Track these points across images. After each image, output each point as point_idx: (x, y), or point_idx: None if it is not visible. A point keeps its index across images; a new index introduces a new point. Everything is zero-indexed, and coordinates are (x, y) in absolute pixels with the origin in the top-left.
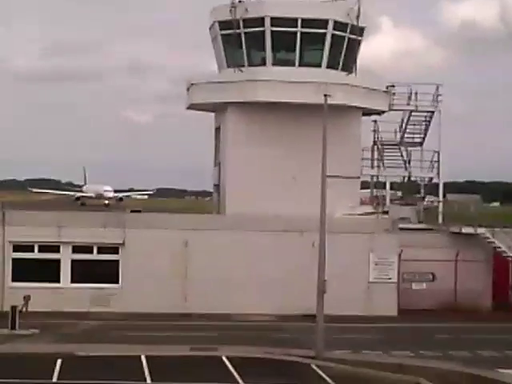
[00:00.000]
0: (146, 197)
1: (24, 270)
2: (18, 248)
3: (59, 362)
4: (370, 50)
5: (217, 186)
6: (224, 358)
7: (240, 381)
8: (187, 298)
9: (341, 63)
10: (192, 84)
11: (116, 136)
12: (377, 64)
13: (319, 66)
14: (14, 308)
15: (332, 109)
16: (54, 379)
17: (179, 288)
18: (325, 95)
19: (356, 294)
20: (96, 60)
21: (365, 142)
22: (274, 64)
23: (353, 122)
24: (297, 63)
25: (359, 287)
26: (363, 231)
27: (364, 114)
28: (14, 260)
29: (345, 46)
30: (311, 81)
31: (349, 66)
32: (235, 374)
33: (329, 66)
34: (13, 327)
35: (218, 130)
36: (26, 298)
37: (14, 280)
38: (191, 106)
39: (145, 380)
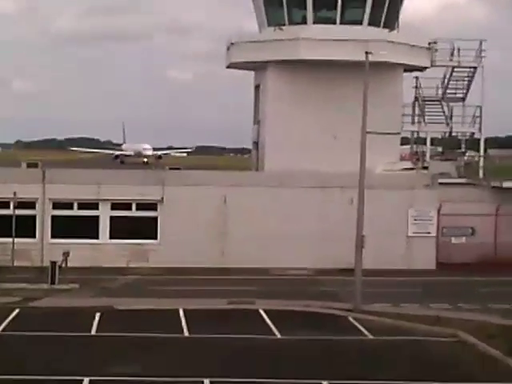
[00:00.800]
0: (184, 154)
1: (63, 227)
2: (57, 205)
3: (98, 315)
4: (412, 6)
5: (256, 144)
6: (261, 311)
7: (277, 333)
8: (225, 253)
9: (382, 20)
10: (232, 43)
11: (156, 94)
12: (419, 20)
13: (360, 23)
14: (53, 263)
15: (373, 66)
16: (93, 332)
17: (217, 243)
18: (366, 53)
19: (395, 248)
20: (136, 19)
21: (406, 98)
22: (314, 22)
23: (394, 79)
24: (338, 21)
25: (398, 241)
26: (403, 187)
27: (406, 71)
28: (53, 217)
29: (387, 3)
30: (352, 38)
31: (391, 22)
32: (272, 326)
33: (370, 23)
34: (52, 282)
35: (257, 88)
36: (66, 254)
37: (53, 236)
38: (231, 65)
39: (182, 333)
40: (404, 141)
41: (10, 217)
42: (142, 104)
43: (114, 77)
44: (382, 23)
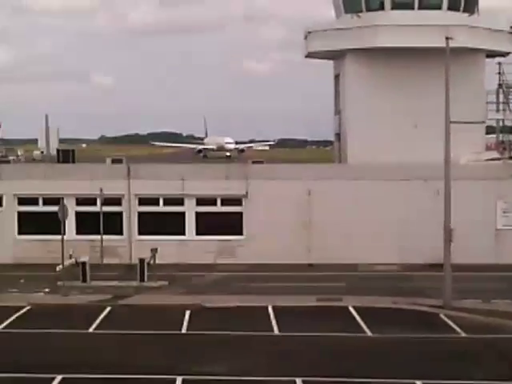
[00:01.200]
0: (267, 147)
1: (150, 223)
2: (143, 201)
3: (188, 313)
4: None
5: (338, 135)
6: (351, 308)
7: (367, 331)
8: (311, 248)
9: (462, 4)
10: (309, 32)
11: (236, 87)
12: (500, 3)
13: (439, 7)
14: (142, 261)
15: (454, 52)
16: (183, 330)
17: (304, 238)
18: (446, 38)
19: (483, 242)
20: (211, 10)
21: (489, 85)
22: (392, 8)
23: (476, 65)
24: (416, 6)
25: (487, 235)
26: (489, 177)
27: (488, 56)
28: (140, 213)
29: None
30: (432, 24)
31: (470, 6)
32: (362, 324)
33: (450, 8)
34: (141, 279)
35: (337, 77)
36: (154, 251)
37: (140, 233)
38: (309, 55)
39: (272, 330)
40: (489, 130)
41: (97, 213)
42: (222, 96)
43: (193, 69)
44: (461, 7)
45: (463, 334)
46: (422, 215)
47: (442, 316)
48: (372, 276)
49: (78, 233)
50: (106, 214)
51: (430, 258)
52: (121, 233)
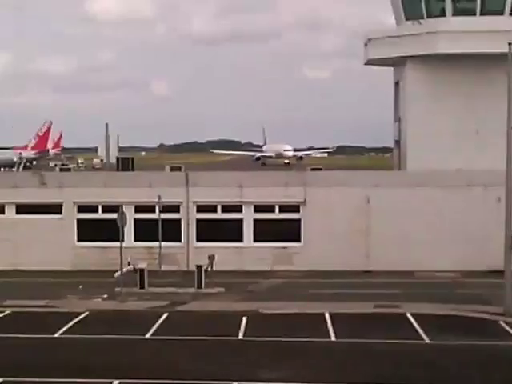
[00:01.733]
0: (325, 155)
1: (208, 230)
2: (201, 208)
3: (245, 319)
4: None
5: (397, 142)
6: (409, 315)
7: (426, 338)
8: (369, 255)
9: None
10: (369, 39)
11: (294, 93)
12: None
13: (502, 13)
14: (199, 267)
15: None
16: (240, 336)
17: (361, 245)
18: (509, 44)
19: None
20: (270, 17)
21: None
22: (454, 14)
23: None
24: (478, 12)
25: None
26: None
27: None
28: (198, 220)
29: None
30: (494, 29)
31: None
32: (421, 331)
33: None
34: (199, 286)
35: (397, 84)
36: (211, 258)
37: (198, 240)
38: (369, 62)
39: (329, 337)
40: None
41: (155, 220)
42: (281, 103)
43: (251, 77)
44: None
45: None
46: (483, 222)
47: (501, 323)
48: (429, 283)
49: (136, 240)
50: (164, 221)
51: (489, 265)
52: (179, 240)
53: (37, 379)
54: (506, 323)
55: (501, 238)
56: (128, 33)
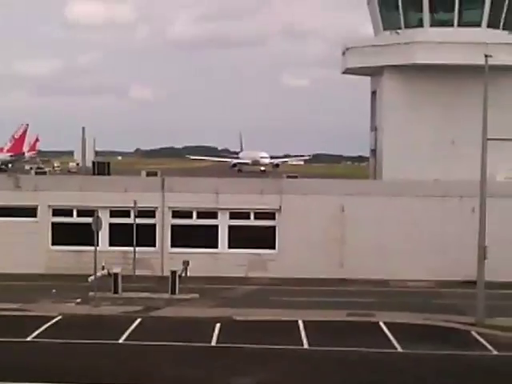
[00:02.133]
0: (302, 162)
1: (183, 236)
2: (177, 214)
3: (218, 326)
4: None
5: (373, 151)
6: (381, 324)
7: (398, 347)
8: (344, 264)
9: (502, 21)
10: (347, 48)
11: (272, 101)
12: None
13: (479, 25)
14: (173, 273)
15: (493, 70)
16: (213, 343)
17: (336, 253)
18: (485, 56)
19: None
20: (251, 25)
21: None
22: (431, 25)
23: None
24: (455, 23)
25: None
26: None
27: None
28: (172, 226)
29: (506, 3)
30: (471, 41)
31: (510, 24)
32: (393, 340)
33: (489, 25)
34: (173, 292)
35: (374, 94)
36: (185, 264)
37: (173, 245)
38: (347, 71)
39: (302, 345)
40: None
41: (130, 225)
42: (258, 111)
43: (230, 84)
44: (501, 25)
45: (495, 352)
46: (458, 232)
47: (473, 333)
48: (404, 292)
49: (111, 244)
50: (139, 225)
51: (463, 275)
52: (153, 245)
53: (7, 383)
54: (478, 333)
55: (475, 249)
56: (108, 37)
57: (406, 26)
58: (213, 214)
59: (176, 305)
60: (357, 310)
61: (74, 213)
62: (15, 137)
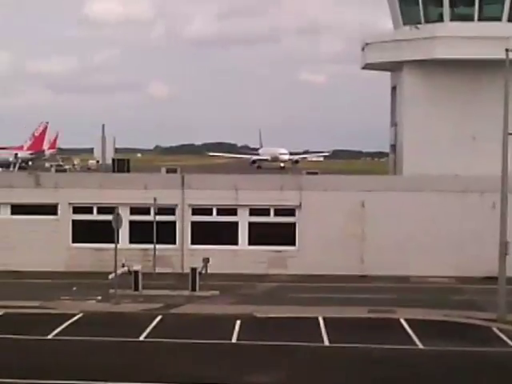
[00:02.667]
0: (321, 159)
1: (203, 233)
2: (196, 211)
3: (238, 322)
4: None
5: (393, 147)
6: (402, 321)
7: (419, 343)
8: (364, 260)
9: None
10: (367, 43)
11: (291, 98)
12: None
13: (500, 19)
14: (193, 270)
15: None
16: (234, 340)
17: (356, 250)
18: (506, 50)
19: None
20: (269, 21)
21: None
22: (451, 19)
23: None
24: (476, 17)
25: None
26: None
27: None
28: (193, 223)
29: None
30: (492, 35)
31: None
32: (414, 336)
33: (510, 20)
34: (193, 289)
35: (394, 89)
36: (206, 261)
37: (193, 243)
38: (366, 66)
39: (322, 342)
40: None
41: (150, 223)
42: (277, 107)
43: (248, 81)
44: None
45: None
46: (478, 228)
47: (494, 329)
48: (425, 288)
49: (131, 242)
50: (159, 223)
51: (485, 271)
52: (173, 242)
53: (29, 381)
54: (499, 329)
55: (496, 244)
56: (127, 34)
57: (426, 21)
58: (233, 211)
59: (196, 302)
60: (377, 307)
61: (95, 210)
62: (35, 135)
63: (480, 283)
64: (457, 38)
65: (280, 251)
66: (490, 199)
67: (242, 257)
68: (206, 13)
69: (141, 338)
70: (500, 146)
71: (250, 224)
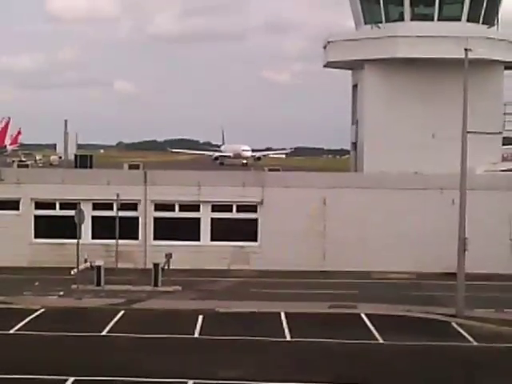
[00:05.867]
0: (283, 156)
1: (165, 229)
2: (159, 207)
3: (201, 318)
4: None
5: (354, 144)
6: (363, 316)
7: (379, 338)
8: (325, 256)
9: (482, 16)
10: (329, 42)
11: (254, 95)
12: None
13: (459, 19)
14: (156, 265)
15: (473, 63)
16: (196, 335)
17: (317, 246)
18: (465, 49)
19: (498, 251)
20: (234, 19)
21: (507, 96)
22: (412, 19)
23: (494, 77)
24: (436, 17)
25: (501, 245)
26: (505, 188)
27: (506, 68)
28: (155, 219)
29: None
30: (451, 35)
31: (490, 18)
32: (374, 331)
33: (469, 20)
34: (155, 284)
35: (355, 87)
36: (168, 256)
37: (155, 238)
38: (328, 64)
39: (284, 337)
40: (506, 141)
41: (113, 218)
42: (240, 105)
43: (211, 78)
44: (481, 19)
45: (475, 343)
46: (438, 224)
47: (453, 324)
48: (385, 284)
49: (93, 237)
50: (121, 218)
51: (444, 266)
52: (136, 238)
53: None
54: (458, 324)
55: (455, 240)
56: (92, 31)
57: (387, 20)
58: (195, 207)
59: (159, 297)
60: (339, 302)
61: (57, 206)
62: None
63: (440, 279)
64: (417, 38)
65: (242, 247)
66: (450, 196)
67: (204, 252)
68: (172, 10)
69: (103, 333)
70: (459, 144)
71: (213, 220)
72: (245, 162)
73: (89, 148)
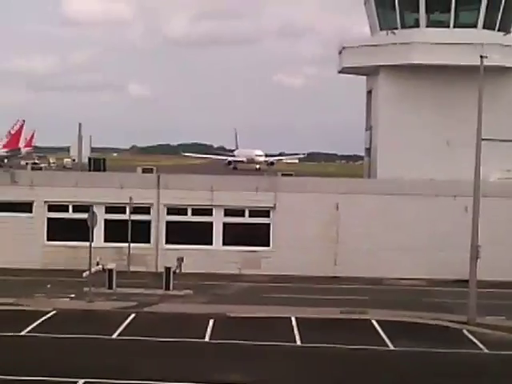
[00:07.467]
0: (296, 161)
1: (177, 233)
2: (171, 211)
3: (211, 322)
4: None
5: (368, 150)
6: (374, 322)
7: (390, 345)
8: (337, 261)
9: (498, 23)
10: (344, 47)
11: (267, 100)
12: None
13: (475, 26)
14: (168, 269)
15: (488, 70)
16: (207, 339)
17: (330, 251)
18: (481, 56)
19: (510, 259)
20: (248, 23)
21: None
22: (427, 26)
23: (510, 84)
24: (451, 24)
25: None
26: None
27: None
28: (168, 222)
29: (502, 5)
30: (467, 42)
31: (506, 25)
32: (385, 337)
33: (485, 27)
34: (167, 288)
35: (369, 93)
36: (180, 260)
37: (167, 242)
38: (343, 70)
39: (295, 342)
40: None
41: (125, 222)
42: (254, 109)
43: (226, 82)
44: (496, 26)
45: (486, 350)
46: (450, 231)
47: (465, 332)
48: (397, 290)
49: (106, 240)
50: (134, 222)
51: (456, 273)
52: (148, 241)
53: (1, 377)
54: (469, 331)
55: (467, 248)
56: (106, 34)
57: (403, 26)
58: (208, 211)
59: (170, 301)
60: (350, 308)
61: (70, 208)
62: (11, 132)
63: (451, 286)
64: (432, 44)
65: (254, 252)
66: (463, 203)
67: (216, 257)
68: (186, 14)
69: (114, 336)
70: (473, 151)
71: (225, 224)
72: (258, 166)
73: (102, 151)
